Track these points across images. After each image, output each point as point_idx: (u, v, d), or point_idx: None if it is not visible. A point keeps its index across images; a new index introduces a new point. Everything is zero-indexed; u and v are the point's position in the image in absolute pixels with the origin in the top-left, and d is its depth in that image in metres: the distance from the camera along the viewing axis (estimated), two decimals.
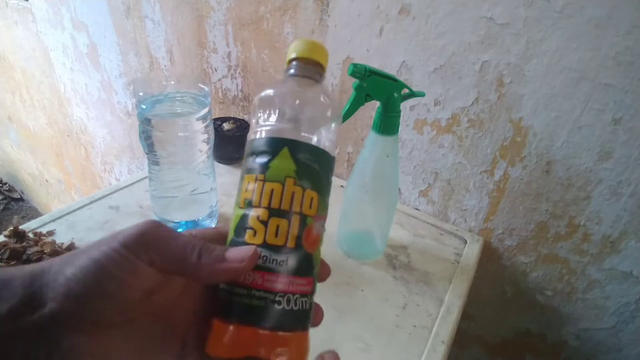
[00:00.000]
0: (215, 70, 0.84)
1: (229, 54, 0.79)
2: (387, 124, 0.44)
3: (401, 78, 0.60)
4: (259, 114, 0.24)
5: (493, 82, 0.53)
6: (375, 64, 0.62)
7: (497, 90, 0.53)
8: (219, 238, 0.24)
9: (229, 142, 0.72)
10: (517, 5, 0.47)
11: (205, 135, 0.51)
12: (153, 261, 0.20)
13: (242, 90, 0.82)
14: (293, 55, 0.26)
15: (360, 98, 0.43)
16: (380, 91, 0.43)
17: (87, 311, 0.19)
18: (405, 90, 0.45)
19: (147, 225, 0.21)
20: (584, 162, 0.51)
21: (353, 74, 0.41)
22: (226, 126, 0.73)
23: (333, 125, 0.24)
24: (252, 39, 0.74)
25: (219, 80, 0.85)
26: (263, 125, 0.23)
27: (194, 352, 0.23)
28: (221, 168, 0.73)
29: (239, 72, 0.80)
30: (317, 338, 0.24)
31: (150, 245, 0.20)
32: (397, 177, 0.50)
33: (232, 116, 0.81)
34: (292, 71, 0.25)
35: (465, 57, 0.54)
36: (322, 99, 0.24)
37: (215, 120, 0.74)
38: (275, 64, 0.73)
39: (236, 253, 0.21)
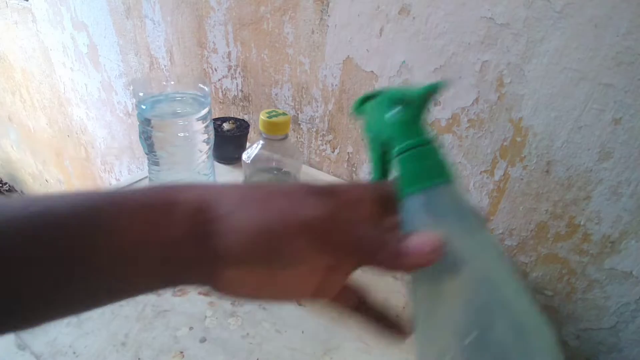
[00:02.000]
0: (215, 70, 0.84)
1: (229, 54, 0.79)
2: (433, 163, 0.21)
3: (401, 78, 0.60)
4: None
5: (493, 82, 0.53)
6: (375, 64, 0.62)
7: (497, 90, 0.53)
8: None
9: (229, 142, 0.72)
10: (517, 5, 0.47)
11: (205, 136, 0.51)
12: (324, 250, 0.19)
13: (242, 90, 0.82)
14: None
15: (374, 147, 0.25)
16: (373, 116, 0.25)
17: (251, 261, 0.19)
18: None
19: (328, 211, 0.19)
20: (584, 162, 0.51)
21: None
22: (226, 126, 0.73)
23: None
24: (252, 39, 0.74)
25: (219, 80, 0.85)
26: None
27: (325, 293, 0.23)
28: (221, 168, 0.73)
29: (239, 72, 0.80)
30: (318, 338, 0.24)
31: (329, 238, 0.19)
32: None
33: (232, 116, 0.81)
34: None
35: (465, 57, 0.54)
36: None
37: (215, 120, 0.74)
38: (275, 64, 0.73)
39: (421, 243, 0.19)
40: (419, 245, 0.19)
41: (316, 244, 0.19)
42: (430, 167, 0.20)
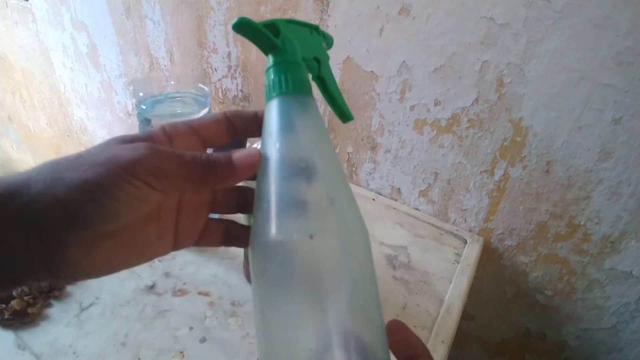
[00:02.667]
0: (215, 70, 0.84)
1: (229, 54, 0.79)
2: (290, 75, 0.23)
3: (401, 78, 0.60)
4: None
5: (493, 82, 0.53)
6: (375, 63, 0.62)
7: (497, 90, 0.53)
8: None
9: (229, 142, 0.72)
10: (517, 5, 0.47)
11: None
12: (162, 186, 0.20)
13: (242, 90, 0.82)
14: None
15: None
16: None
17: (84, 227, 0.18)
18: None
19: (147, 149, 0.19)
20: (584, 162, 0.51)
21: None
22: None
23: None
24: None
25: (219, 80, 0.85)
26: None
27: (187, 241, 0.24)
28: None
29: (239, 72, 0.80)
30: None
31: (161, 171, 0.19)
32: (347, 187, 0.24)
33: None
34: None
35: (465, 57, 0.54)
36: None
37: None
38: None
39: (244, 155, 0.22)
40: (243, 156, 0.21)
41: (147, 182, 0.19)
42: (289, 80, 0.23)
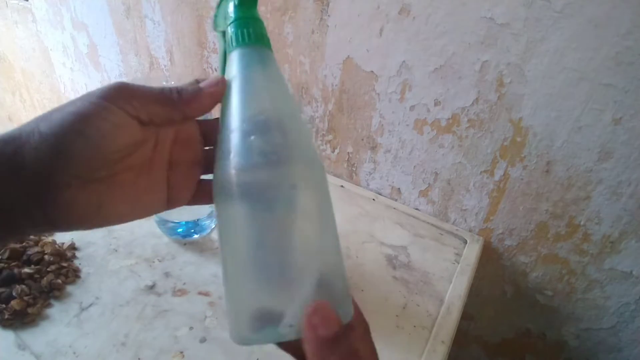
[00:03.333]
0: (215, 70, 0.84)
1: None
2: (249, 30, 0.25)
3: (401, 78, 0.60)
4: None
5: (493, 82, 0.53)
6: (375, 64, 0.62)
7: (497, 90, 0.53)
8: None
9: None
10: (517, 5, 0.47)
11: None
12: (136, 111, 0.21)
13: None
14: None
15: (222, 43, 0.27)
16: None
17: (71, 165, 0.19)
18: None
19: (120, 82, 0.21)
20: (584, 162, 0.51)
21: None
22: None
23: None
24: None
25: None
26: None
27: (180, 199, 0.25)
28: None
29: None
30: None
31: (133, 96, 0.21)
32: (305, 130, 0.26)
33: None
34: None
35: (465, 57, 0.54)
36: None
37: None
38: None
39: (209, 81, 0.23)
40: (208, 82, 0.23)
41: (121, 106, 0.20)
42: (251, 33, 0.24)
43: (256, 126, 0.22)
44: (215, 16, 0.26)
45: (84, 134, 0.19)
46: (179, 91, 0.22)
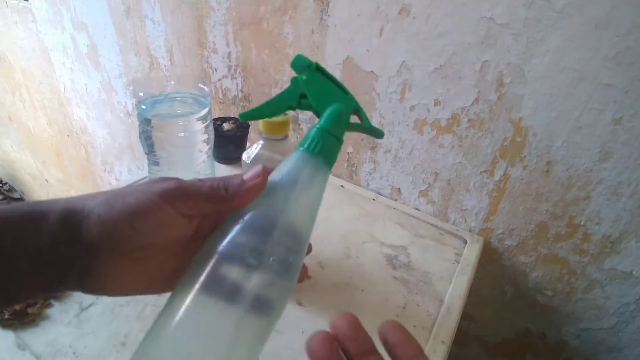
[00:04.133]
0: (215, 70, 0.84)
1: (229, 54, 0.79)
2: (327, 144, 0.27)
3: (401, 78, 0.60)
4: None
5: (493, 82, 0.53)
6: (375, 63, 0.62)
7: (497, 90, 0.53)
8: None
9: (229, 142, 0.72)
10: (517, 5, 0.47)
11: (205, 136, 0.51)
12: (189, 210, 0.23)
13: (242, 90, 0.82)
14: None
15: (291, 95, 0.31)
16: (320, 96, 0.30)
17: (118, 246, 0.22)
18: (356, 119, 0.31)
19: (176, 182, 0.23)
20: (584, 162, 0.51)
21: (294, 63, 0.31)
22: (226, 126, 0.73)
23: None
24: (252, 39, 0.74)
25: (219, 80, 0.85)
26: None
27: None
28: (221, 168, 0.73)
29: (239, 72, 0.80)
30: None
31: (189, 197, 0.23)
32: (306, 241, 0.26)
33: (232, 116, 0.81)
34: None
35: (465, 57, 0.54)
36: None
37: (215, 120, 0.74)
38: (275, 64, 0.73)
39: (251, 173, 0.25)
40: (252, 172, 0.25)
41: (175, 207, 0.23)
42: (325, 147, 0.27)
43: (277, 235, 0.23)
44: (307, 64, 0.29)
45: (136, 228, 0.22)
46: (225, 187, 0.24)
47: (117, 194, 0.22)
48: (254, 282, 0.22)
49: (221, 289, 0.21)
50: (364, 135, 0.69)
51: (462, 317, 0.51)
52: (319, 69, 0.30)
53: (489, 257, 0.65)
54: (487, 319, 0.72)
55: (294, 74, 0.31)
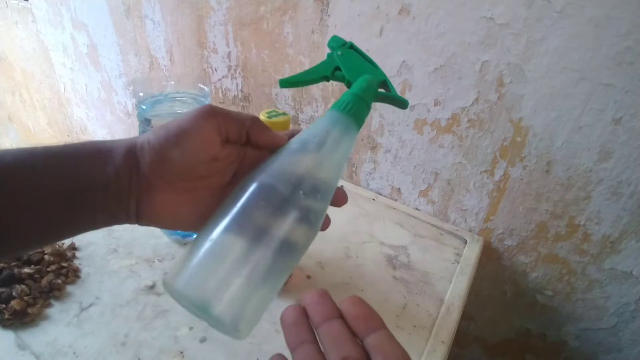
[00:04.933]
0: (215, 70, 0.84)
1: (229, 54, 0.79)
2: (358, 107, 0.29)
3: (401, 78, 0.60)
4: None
5: (493, 82, 0.53)
6: None
7: (497, 90, 0.53)
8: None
9: None
10: (517, 5, 0.47)
11: None
12: (220, 128, 0.25)
13: (242, 90, 0.82)
14: None
15: (326, 67, 0.34)
16: (352, 69, 0.33)
17: (167, 171, 0.24)
18: (382, 89, 0.34)
19: (208, 104, 0.26)
20: (584, 162, 0.51)
21: (330, 43, 0.35)
22: None
23: None
24: (252, 39, 0.74)
25: (219, 80, 0.85)
26: None
27: None
28: None
29: (239, 72, 0.80)
30: None
31: (218, 114, 0.25)
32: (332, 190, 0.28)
33: None
34: None
35: (465, 57, 0.54)
36: None
37: None
38: (275, 64, 0.73)
39: (279, 132, 0.28)
40: (277, 132, 0.28)
41: (208, 122, 0.25)
42: (356, 109, 0.29)
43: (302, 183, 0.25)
44: (341, 43, 0.33)
45: (180, 146, 0.24)
46: (252, 119, 0.27)
47: (163, 125, 0.25)
48: (283, 213, 0.24)
49: (250, 221, 0.24)
50: (363, 135, 0.69)
51: (462, 317, 0.51)
52: (352, 47, 0.35)
53: (489, 257, 0.65)
54: (487, 319, 0.72)
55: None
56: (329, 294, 0.22)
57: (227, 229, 0.23)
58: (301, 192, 0.24)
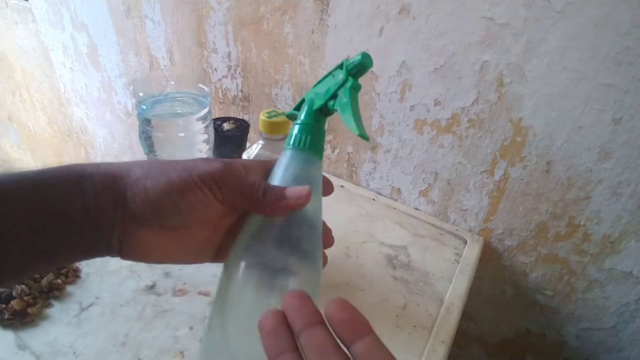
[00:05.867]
0: (215, 70, 0.84)
1: (229, 54, 0.79)
2: (312, 137, 0.28)
3: (401, 78, 0.60)
4: None
5: (493, 82, 0.53)
6: (375, 64, 0.61)
7: (497, 90, 0.53)
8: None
9: (229, 142, 0.72)
10: (517, 5, 0.47)
11: (205, 136, 0.51)
12: (223, 198, 0.24)
13: (242, 90, 0.82)
14: None
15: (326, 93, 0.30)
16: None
17: (158, 218, 0.23)
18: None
19: (221, 166, 0.24)
20: (584, 162, 0.51)
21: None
22: (226, 126, 0.73)
23: None
24: (252, 39, 0.74)
25: (219, 80, 0.85)
26: None
27: (224, 258, 0.27)
28: None
29: (239, 72, 0.80)
30: None
31: (224, 185, 0.24)
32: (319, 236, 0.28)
33: (232, 116, 0.81)
34: None
35: (465, 57, 0.54)
36: None
37: (215, 120, 0.73)
38: (275, 64, 0.73)
39: (294, 192, 0.25)
40: (295, 192, 0.25)
41: (212, 191, 0.24)
42: (307, 140, 0.27)
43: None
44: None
45: (177, 205, 0.23)
46: (264, 192, 0.25)
47: (162, 167, 0.24)
48: (283, 284, 0.25)
49: (262, 280, 0.25)
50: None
51: (462, 317, 0.51)
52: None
53: (489, 257, 0.65)
54: (487, 319, 0.72)
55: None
56: (309, 297, 0.20)
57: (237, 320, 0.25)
58: (292, 259, 0.25)
